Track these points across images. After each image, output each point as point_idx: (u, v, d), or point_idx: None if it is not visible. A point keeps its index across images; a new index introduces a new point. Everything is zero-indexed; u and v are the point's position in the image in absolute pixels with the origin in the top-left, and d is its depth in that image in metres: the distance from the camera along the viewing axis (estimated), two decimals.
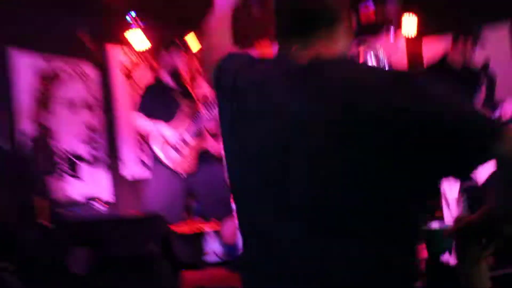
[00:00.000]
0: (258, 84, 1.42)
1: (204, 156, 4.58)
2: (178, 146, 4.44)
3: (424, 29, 6.34)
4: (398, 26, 6.41)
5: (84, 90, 5.96)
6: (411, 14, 6.25)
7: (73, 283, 2.67)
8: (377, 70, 1.65)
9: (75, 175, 5.60)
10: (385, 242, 1.26)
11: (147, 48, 5.97)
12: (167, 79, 4.64)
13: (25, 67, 5.30)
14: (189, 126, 4.47)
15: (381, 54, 3.95)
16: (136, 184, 6.31)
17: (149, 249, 2.63)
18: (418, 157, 1.22)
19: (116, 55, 6.37)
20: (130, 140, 6.49)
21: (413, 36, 6.41)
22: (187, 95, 4.67)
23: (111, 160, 6.19)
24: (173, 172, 4.46)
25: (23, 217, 3.97)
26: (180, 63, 4.61)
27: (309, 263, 1.29)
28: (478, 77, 4.47)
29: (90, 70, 6.02)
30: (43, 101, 5.44)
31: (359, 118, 1.23)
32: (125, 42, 6.16)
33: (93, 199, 5.46)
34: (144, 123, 4.55)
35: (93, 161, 5.93)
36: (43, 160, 4.43)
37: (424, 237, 2.23)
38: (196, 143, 4.49)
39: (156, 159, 4.50)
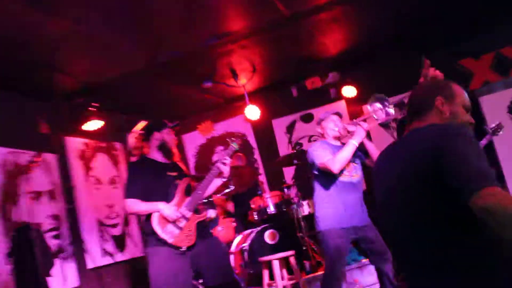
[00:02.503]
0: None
1: (201, 228, 4.68)
2: (177, 221, 4.50)
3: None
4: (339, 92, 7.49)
5: (47, 181, 5.96)
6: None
7: None
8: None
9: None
10: None
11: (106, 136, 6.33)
12: (157, 155, 4.74)
13: None
14: (186, 201, 4.58)
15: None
16: (99, 271, 6.31)
17: None
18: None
19: (75, 146, 6.53)
20: (92, 228, 6.51)
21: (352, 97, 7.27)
22: (178, 169, 4.81)
23: (75, 249, 6.14)
24: (174, 247, 4.49)
25: None
26: (170, 140, 4.77)
27: None
28: None
29: (51, 160, 6.07)
30: (11, 195, 5.38)
31: None
32: (83, 134, 6.46)
33: None
34: (139, 206, 4.54)
35: (59, 252, 5.87)
36: (43, 257, 4.31)
37: None
38: (193, 216, 4.59)
39: (155, 238, 4.50)
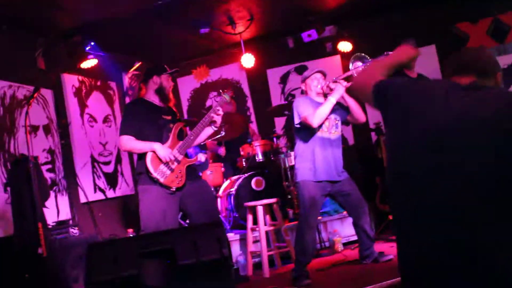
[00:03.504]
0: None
1: (190, 171, 4.98)
2: (169, 163, 4.79)
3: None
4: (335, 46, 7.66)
5: (43, 115, 6.21)
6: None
7: None
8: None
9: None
10: None
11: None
12: (154, 98, 5.00)
13: None
14: (178, 144, 4.87)
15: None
16: (91, 206, 6.61)
17: (224, 253, 2.94)
18: None
19: (71, 82, 6.75)
20: (85, 164, 6.80)
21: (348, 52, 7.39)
22: (172, 114, 5.08)
23: (68, 183, 6.43)
24: (164, 187, 4.78)
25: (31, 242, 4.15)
26: (168, 86, 5.02)
27: None
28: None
29: (48, 95, 6.31)
30: (9, 127, 5.63)
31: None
32: (80, 71, 6.71)
33: (62, 223, 5.62)
34: (134, 143, 4.82)
35: (53, 186, 6.15)
36: (40, 188, 4.56)
37: None
38: (184, 160, 4.89)
39: (148, 176, 4.79)
